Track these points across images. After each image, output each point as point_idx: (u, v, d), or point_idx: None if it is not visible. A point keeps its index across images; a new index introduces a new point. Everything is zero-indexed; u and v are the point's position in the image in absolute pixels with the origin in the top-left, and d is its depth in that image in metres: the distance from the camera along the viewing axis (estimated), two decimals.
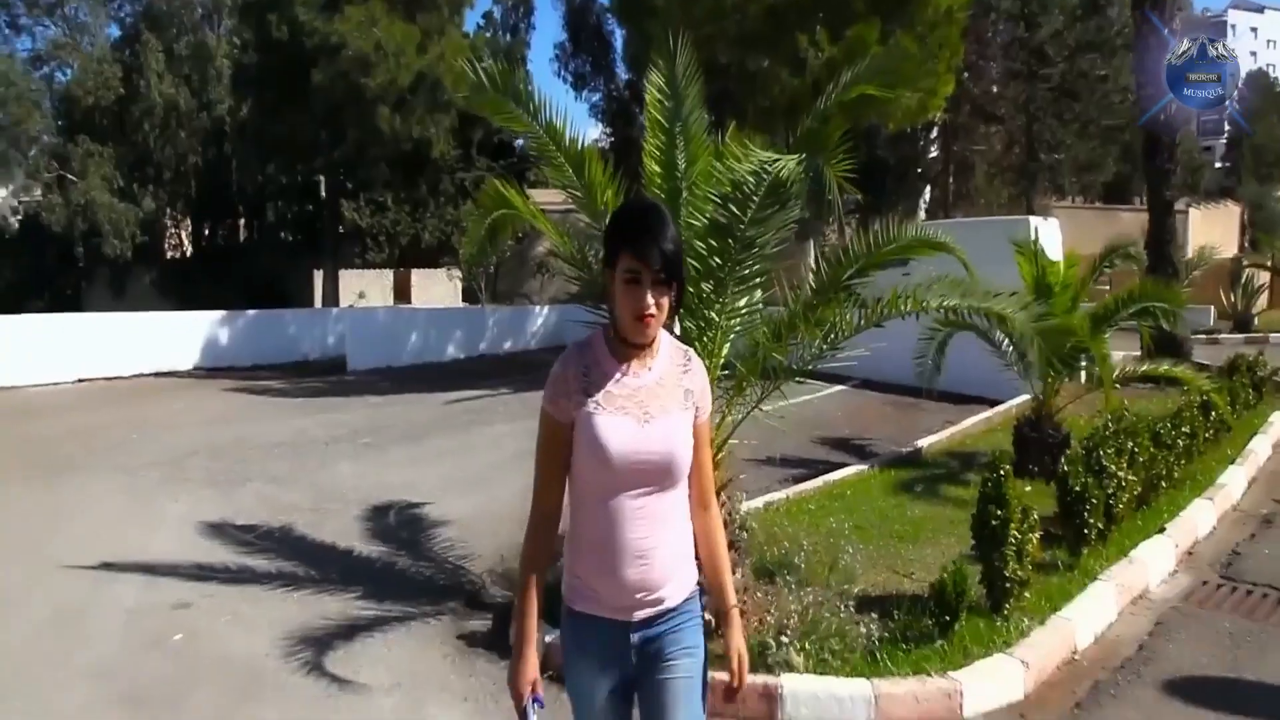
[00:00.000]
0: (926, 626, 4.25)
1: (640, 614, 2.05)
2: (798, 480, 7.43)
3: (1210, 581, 5.55)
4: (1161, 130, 12.73)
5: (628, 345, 2.03)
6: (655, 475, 2.01)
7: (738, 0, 13.00)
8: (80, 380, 14.59)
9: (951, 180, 24.23)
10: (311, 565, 5.69)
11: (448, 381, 15.13)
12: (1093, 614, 4.75)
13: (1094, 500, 5.47)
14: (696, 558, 2.18)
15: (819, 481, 7.41)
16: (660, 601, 2.06)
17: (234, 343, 17.32)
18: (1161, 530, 6.04)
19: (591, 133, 32.15)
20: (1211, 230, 37.94)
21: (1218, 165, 70.49)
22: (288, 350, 18.19)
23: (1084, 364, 8.21)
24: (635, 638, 2.06)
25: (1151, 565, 5.53)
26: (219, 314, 17.73)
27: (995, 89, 22.70)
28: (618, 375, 2.03)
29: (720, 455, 4.41)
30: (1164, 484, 6.79)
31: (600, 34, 30.85)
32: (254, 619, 4.80)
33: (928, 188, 26.23)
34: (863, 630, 4.24)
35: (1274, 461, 8.51)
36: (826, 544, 5.41)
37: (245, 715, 3.79)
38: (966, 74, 21.96)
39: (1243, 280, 19.80)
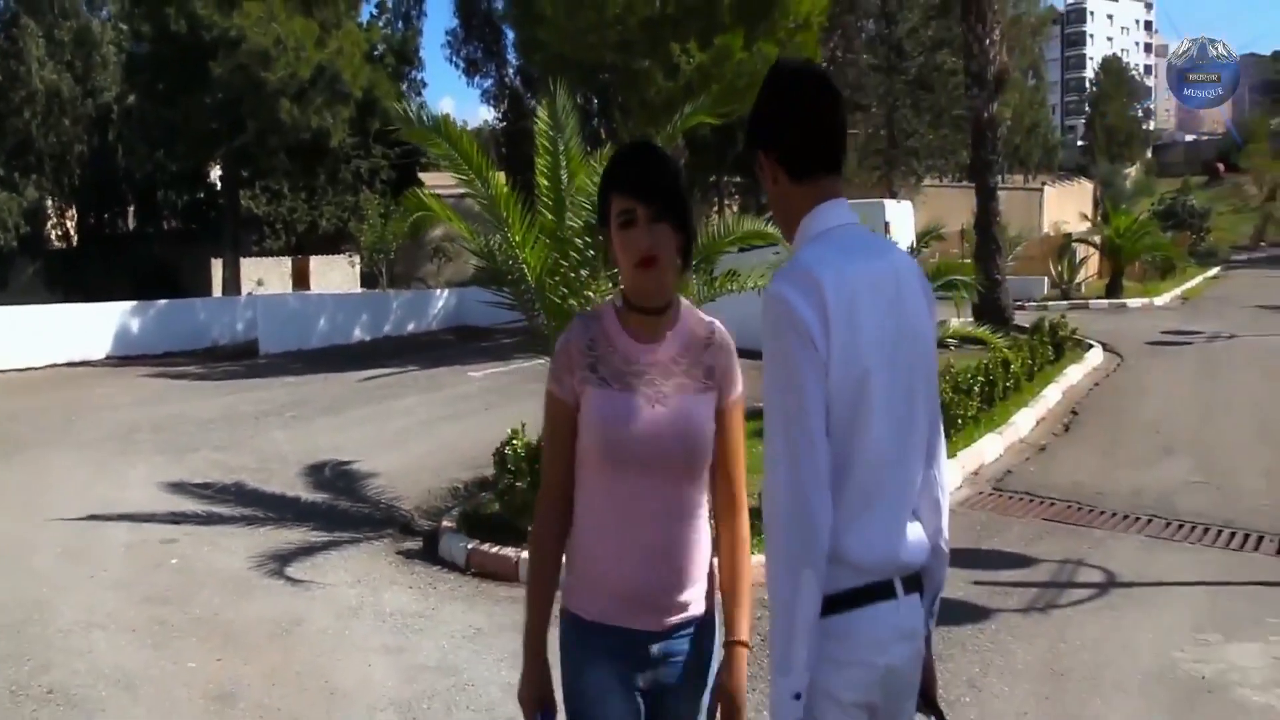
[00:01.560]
0: None
1: (660, 623, 1.80)
2: None
3: (984, 492, 7.27)
4: (985, 126, 14.72)
5: (640, 314, 1.80)
6: (671, 463, 1.77)
7: (618, 12, 14.47)
8: None
9: None
10: (268, 509, 6.91)
11: (358, 361, 16.19)
12: None
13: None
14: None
15: None
16: (684, 608, 1.82)
17: (145, 331, 17.92)
18: (953, 457, 7.75)
19: (484, 114, 32.97)
20: (1065, 206, 41.08)
21: (1080, 144, 75.63)
22: (198, 337, 18.87)
23: None
24: (655, 649, 1.81)
25: None
26: (130, 304, 18.29)
27: (860, 82, 24.73)
28: (627, 349, 1.79)
29: None
30: (962, 423, 8.54)
31: (490, 22, 31.47)
32: (230, 547, 6.03)
33: None
34: None
35: (1061, 405, 10.40)
36: None
37: (245, 606, 5.04)
38: (831, 68, 23.89)
39: (1068, 255, 22.39)
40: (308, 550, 5.91)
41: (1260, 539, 5.76)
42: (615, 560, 1.80)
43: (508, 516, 5.81)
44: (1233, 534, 5.89)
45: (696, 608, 1.83)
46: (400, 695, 3.90)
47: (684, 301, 1.86)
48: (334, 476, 7.92)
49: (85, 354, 16.67)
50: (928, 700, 1.75)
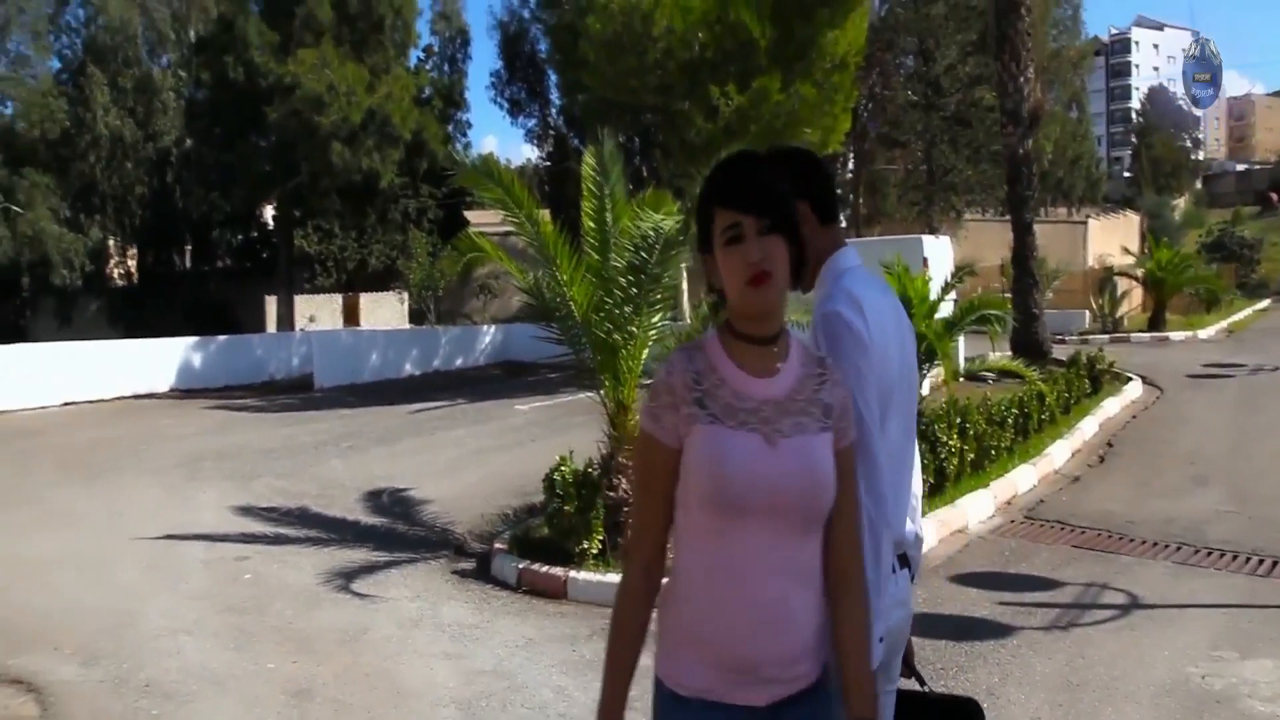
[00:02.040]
0: None
1: (768, 697, 1.62)
2: None
3: (1015, 520, 7.47)
4: (1021, 162, 14.96)
5: (749, 343, 1.65)
6: (790, 512, 1.59)
7: (658, 57, 15.03)
8: (66, 404, 15.87)
9: (862, 200, 26.70)
10: (331, 531, 7.35)
11: (409, 395, 16.75)
12: None
13: (925, 462, 7.38)
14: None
15: None
16: (796, 681, 1.64)
17: (205, 366, 18.69)
18: (985, 486, 7.96)
19: (527, 152, 33.78)
20: (1110, 239, 40.75)
21: (1126, 175, 74.96)
22: (256, 371, 19.61)
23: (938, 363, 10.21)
24: None
25: (971, 510, 7.40)
26: (191, 339, 19.11)
27: (899, 118, 25.12)
28: (738, 383, 1.64)
29: None
30: (996, 453, 8.74)
31: (534, 63, 32.25)
32: (299, 564, 6.45)
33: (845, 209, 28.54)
34: None
35: (1097, 437, 10.53)
36: None
37: (315, 615, 5.44)
38: (870, 105, 24.32)
39: (1109, 288, 22.40)
40: (370, 568, 6.32)
41: None
42: (723, 625, 1.59)
43: (556, 539, 6.16)
44: (1261, 560, 6.01)
45: (810, 678, 1.65)
46: (460, 695, 4.26)
47: (792, 332, 1.72)
48: (391, 502, 8.35)
49: (150, 387, 17.46)
50: (907, 664, 2.10)
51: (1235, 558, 6.11)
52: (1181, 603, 5.35)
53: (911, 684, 2.14)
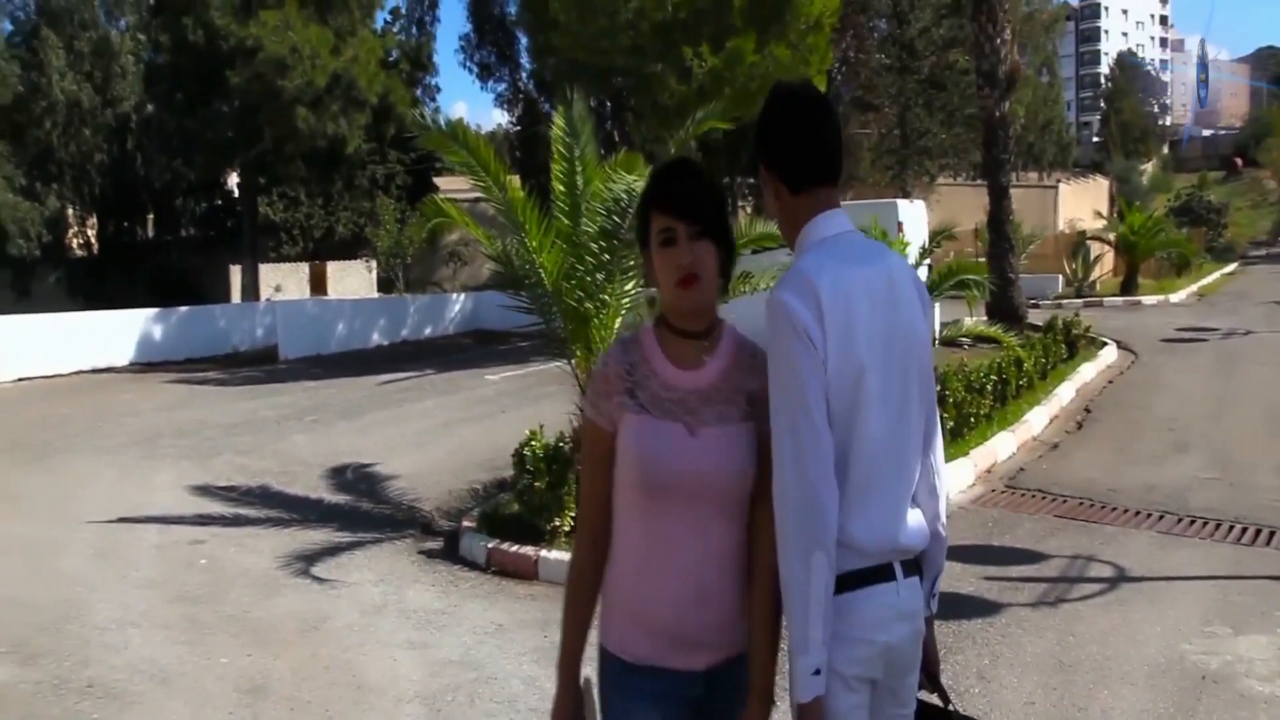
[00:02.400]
0: None
1: (703, 662, 1.75)
2: None
3: (996, 489, 7.34)
4: (997, 125, 14.76)
5: (681, 337, 1.76)
6: (709, 496, 1.70)
7: (630, 17, 14.61)
8: (21, 379, 15.31)
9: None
10: (292, 510, 7.07)
11: (376, 366, 16.37)
12: None
13: None
14: None
15: None
16: (727, 646, 1.76)
17: (166, 338, 18.15)
18: (965, 455, 7.82)
19: (497, 117, 33.24)
20: (1081, 204, 40.96)
21: (1095, 140, 75.31)
22: (219, 343, 19.09)
23: None
24: (700, 688, 1.77)
25: (952, 480, 7.25)
26: (151, 311, 18.53)
27: (873, 81, 24.80)
28: (667, 374, 1.74)
29: None
30: (975, 420, 8.61)
31: (504, 26, 31.68)
32: (257, 547, 6.18)
33: None
34: None
35: (1075, 403, 10.46)
36: None
37: (272, 604, 5.18)
38: (844, 68, 23.98)
39: (1081, 252, 22.39)
40: (332, 550, 6.05)
41: (1272, 534, 5.81)
42: (655, 598, 1.74)
43: (526, 516, 5.93)
44: (1244, 529, 5.94)
45: (739, 646, 1.76)
46: (425, 688, 4.03)
47: (727, 324, 1.80)
48: (355, 479, 8.07)
49: (109, 361, 16.91)
50: (931, 678, 1.86)
51: (1219, 526, 6.04)
52: (1169, 575, 5.23)
53: (934, 699, 1.91)
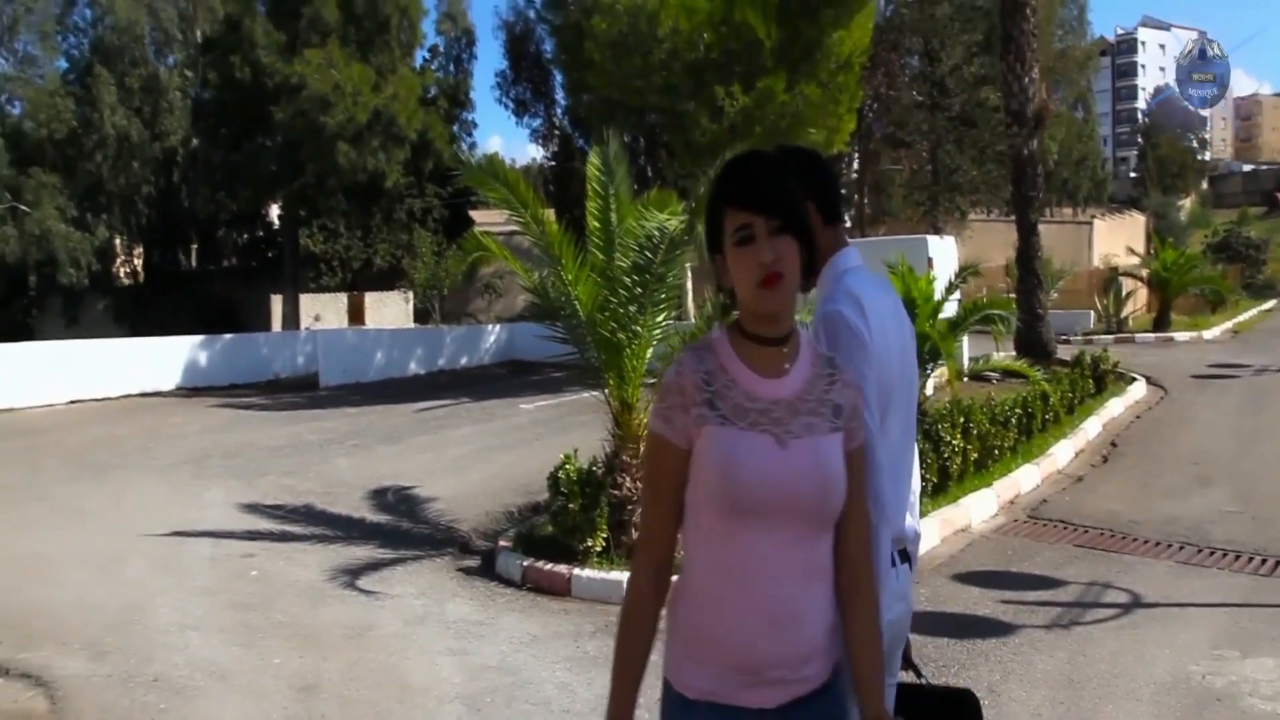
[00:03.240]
0: None
1: (778, 699, 1.60)
2: None
3: (1018, 519, 7.48)
4: (1025, 163, 14.97)
5: (758, 344, 1.64)
6: (802, 513, 1.58)
7: (663, 58, 15.07)
8: (73, 401, 15.93)
9: (867, 200, 26.73)
10: (336, 528, 7.39)
11: (414, 393, 16.79)
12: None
13: (929, 461, 7.39)
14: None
15: None
16: (805, 682, 1.61)
17: (211, 364, 18.75)
18: (989, 485, 7.97)
19: (532, 151, 33.84)
20: (1116, 239, 40.80)
21: (1132, 175, 74.85)
22: (261, 370, 19.67)
23: (941, 362, 10.22)
24: None
25: (974, 509, 7.40)
26: (197, 338, 19.19)
27: (904, 119, 25.14)
28: (748, 384, 1.62)
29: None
30: (1000, 453, 8.75)
31: (540, 63, 32.21)
32: (304, 561, 6.49)
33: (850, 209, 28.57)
34: None
35: (1101, 437, 10.53)
36: None
37: (320, 612, 5.48)
38: (875, 105, 24.33)
39: (1114, 288, 22.39)
40: (375, 565, 6.35)
41: None
42: (734, 627, 1.58)
43: (560, 537, 6.18)
44: (1264, 560, 6.02)
45: (820, 679, 1.63)
46: (465, 690, 4.30)
47: (802, 331, 1.70)
48: (396, 500, 8.38)
49: (156, 385, 17.53)
50: (905, 658, 2.13)
51: (1238, 557, 6.12)
52: (1183, 601, 5.36)
53: (909, 677, 2.17)
